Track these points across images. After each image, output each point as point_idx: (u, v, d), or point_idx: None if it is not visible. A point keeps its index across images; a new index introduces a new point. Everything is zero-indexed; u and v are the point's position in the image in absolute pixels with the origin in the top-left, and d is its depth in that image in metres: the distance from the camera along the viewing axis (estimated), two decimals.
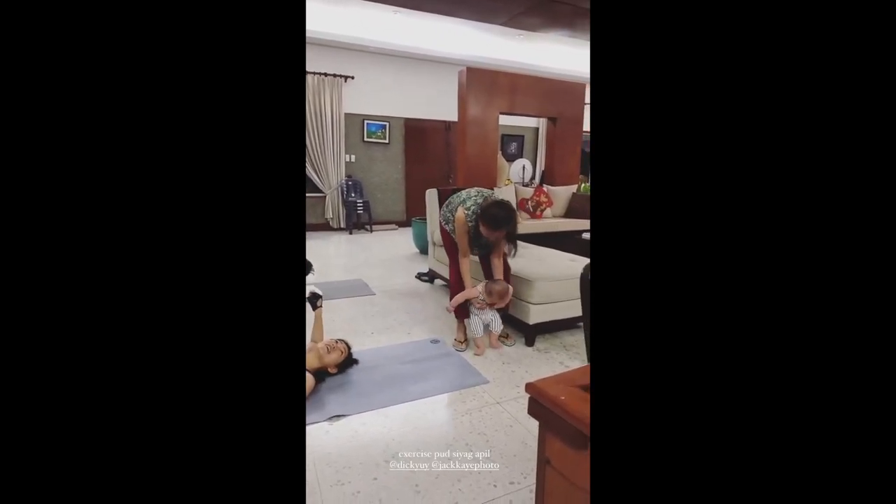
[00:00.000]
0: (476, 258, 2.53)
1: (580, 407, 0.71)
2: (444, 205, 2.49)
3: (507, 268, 2.44)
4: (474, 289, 2.33)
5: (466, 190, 2.44)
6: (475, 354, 2.31)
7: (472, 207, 2.26)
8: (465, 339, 2.43)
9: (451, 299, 2.44)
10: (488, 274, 2.44)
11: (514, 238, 2.32)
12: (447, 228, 2.45)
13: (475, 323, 2.32)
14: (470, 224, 2.26)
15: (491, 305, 2.28)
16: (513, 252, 2.36)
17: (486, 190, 2.42)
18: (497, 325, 2.34)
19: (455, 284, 2.47)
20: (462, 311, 2.41)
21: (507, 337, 2.49)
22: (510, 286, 2.34)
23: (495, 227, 2.18)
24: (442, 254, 3.40)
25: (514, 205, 2.53)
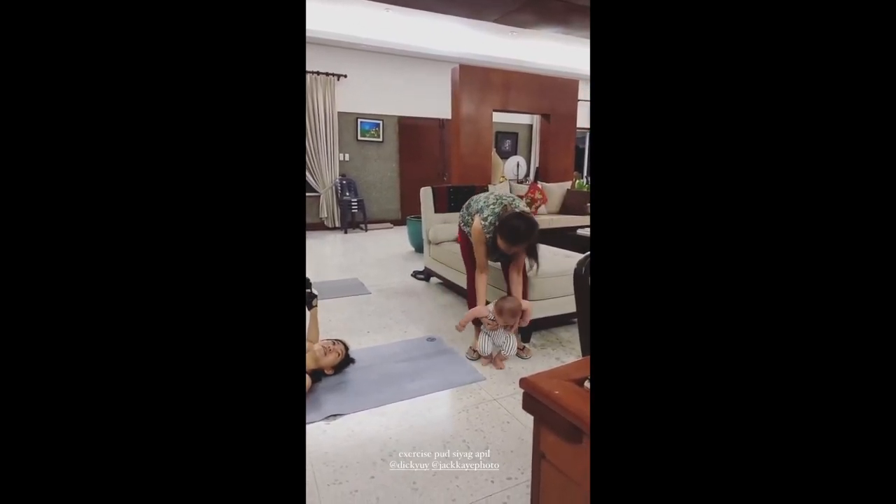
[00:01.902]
0: (498, 266, 2.36)
1: (574, 401, 0.71)
2: (464, 206, 2.34)
3: (526, 282, 2.27)
4: (484, 307, 2.18)
5: (486, 194, 2.27)
6: (482, 364, 2.22)
7: (490, 218, 2.10)
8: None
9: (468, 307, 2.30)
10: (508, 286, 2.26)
11: (534, 252, 2.15)
12: (465, 231, 2.30)
13: (484, 342, 2.18)
14: (487, 236, 2.10)
15: (507, 328, 2.13)
16: (535, 268, 2.18)
17: (506, 196, 2.23)
18: (510, 349, 2.17)
19: (470, 295, 2.34)
20: (479, 322, 2.27)
21: (523, 349, 2.30)
22: (528, 303, 2.17)
23: (514, 242, 2.01)
24: (438, 252, 3.40)
25: None
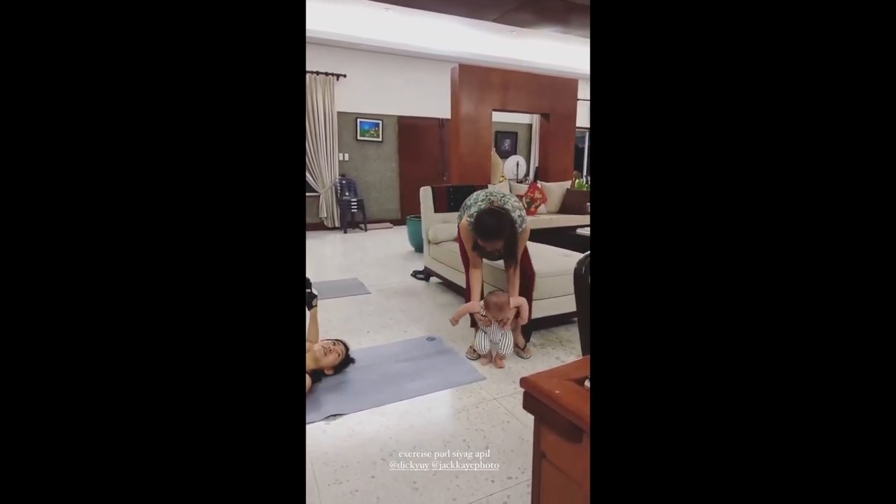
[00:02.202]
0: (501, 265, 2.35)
1: (574, 400, 0.71)
2: (462, 205, 2.35)
3: (526, 280, 2.24)
4: (476, 303, 2.19)
5: (480, 192, 2.28)
6: (482, 363, 2.20)
7: (476, 214, 2.10)
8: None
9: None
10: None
11: (511, 250, 2.12)
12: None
13: (481, 339, 2.18)
14: (473, 233, 2.11)
15: (500, 323, 2.12)
16: (512, 268, 2.15)
17: (497, 193, 2.22)
18: (506, 347, 2.16)
19: (468, 293, 2.36)
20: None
21: (523, 349, 2.29)
22: (520, 300, 2.14)
23: (484, 237, 2.03)
24: (438, 251, 3.40)
25: None
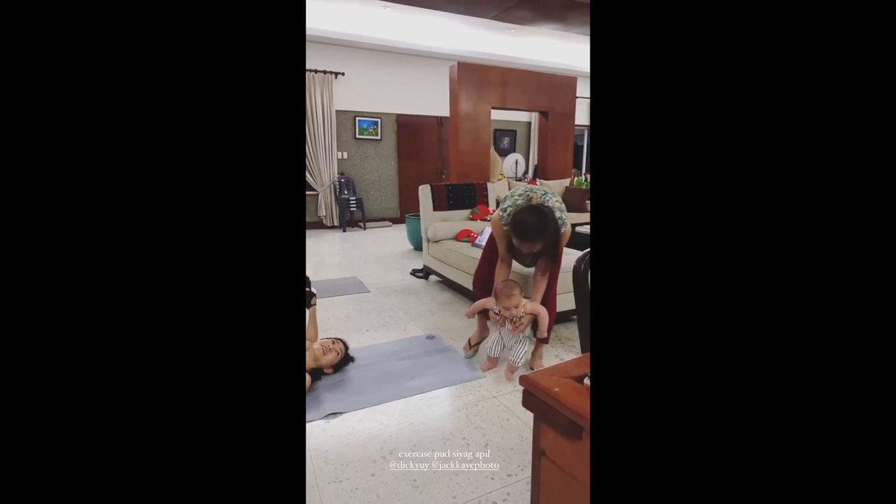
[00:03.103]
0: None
1: (574, 397, 0.72)
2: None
3: (550, 289, 2.08)
4: (491, 299, 2.06)
5: (523, 187, 2.10)
6: (480, 368, 2.10)
7: (509, 209, 1.94)
8: (476, 346, 2.25)
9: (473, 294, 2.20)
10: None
11: (552, 254, 1.95)
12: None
13: (494, 340, 2.09)
14: (504, 227, 1.96)
15: (513, 325, 2.01)
16: (541, 272, 2.00)
17: (537, 189, 2.00)
18: (518, 357, 2.03)
19: (474, 284, 2.26)
20: (484, 315, 2.17)
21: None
22: (539, 309, 2.00)
23: (522, 237, 1.84)
24: (437, 250, 3.40)
25: None
